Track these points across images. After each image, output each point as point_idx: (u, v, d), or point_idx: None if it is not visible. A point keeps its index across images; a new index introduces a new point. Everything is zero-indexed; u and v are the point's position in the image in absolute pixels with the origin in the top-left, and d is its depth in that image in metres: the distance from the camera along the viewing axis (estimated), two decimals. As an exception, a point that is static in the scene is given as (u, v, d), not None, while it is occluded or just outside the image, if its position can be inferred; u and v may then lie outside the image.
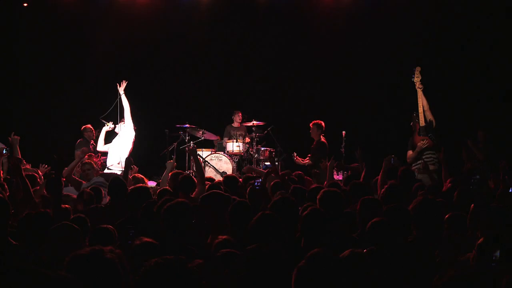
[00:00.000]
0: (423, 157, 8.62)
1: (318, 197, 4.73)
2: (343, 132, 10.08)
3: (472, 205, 4.31)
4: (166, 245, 3.61)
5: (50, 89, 12.02)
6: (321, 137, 10.03)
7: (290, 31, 12.41)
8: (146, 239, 3.18)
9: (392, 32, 11.47)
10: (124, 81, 9.76)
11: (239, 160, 11.21)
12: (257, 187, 5.51)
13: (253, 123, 11.10)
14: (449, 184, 6.42)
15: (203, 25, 12.41)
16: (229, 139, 11.22)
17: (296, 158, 10.08)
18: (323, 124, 10.06)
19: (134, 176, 7.32)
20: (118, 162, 9.32)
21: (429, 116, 8.77)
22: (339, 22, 12.01)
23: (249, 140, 11.17)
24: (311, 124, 10.12)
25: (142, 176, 7.42)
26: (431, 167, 8.46)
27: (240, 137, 11.25)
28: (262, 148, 10.96)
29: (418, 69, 8.84)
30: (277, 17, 12.42)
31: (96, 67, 11.97)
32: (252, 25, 12.48)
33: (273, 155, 10.50)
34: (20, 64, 12.14)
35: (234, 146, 11.04)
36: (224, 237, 3.85)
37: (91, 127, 10.31)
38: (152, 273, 2.24)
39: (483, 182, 5.60)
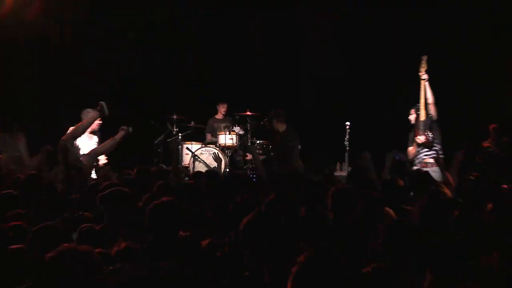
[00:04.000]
0: (421, 153, 8.10)
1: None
2: (347, 123, 9.46)
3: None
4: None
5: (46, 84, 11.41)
6: None
7: (284, 18, 11.94)
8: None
9: (400, 21, 10.90)
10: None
11: (232, 154, 10.50)
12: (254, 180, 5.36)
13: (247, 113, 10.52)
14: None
15: (192, 11, 12.13)
16: (213, 132, 10.71)
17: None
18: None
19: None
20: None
21: (432, 111, 7.97)
22: (340, 10, 11.49)
23: (235, 132, 10.42)
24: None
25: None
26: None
27: (225, 128, 10.51)
28: (258, 141, 10.22)
29: (424, 57, 7.97)
30: (269, 3, 11.97)
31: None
32: (245, 11, 12.02)
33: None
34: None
35: (227, 139, 10.31)
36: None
37: None
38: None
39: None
